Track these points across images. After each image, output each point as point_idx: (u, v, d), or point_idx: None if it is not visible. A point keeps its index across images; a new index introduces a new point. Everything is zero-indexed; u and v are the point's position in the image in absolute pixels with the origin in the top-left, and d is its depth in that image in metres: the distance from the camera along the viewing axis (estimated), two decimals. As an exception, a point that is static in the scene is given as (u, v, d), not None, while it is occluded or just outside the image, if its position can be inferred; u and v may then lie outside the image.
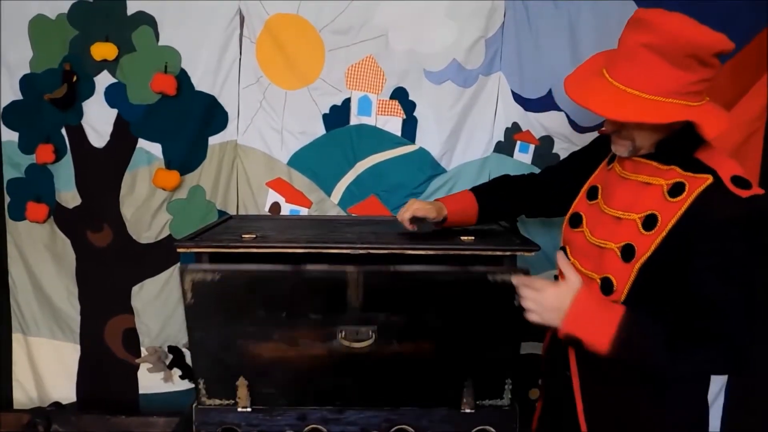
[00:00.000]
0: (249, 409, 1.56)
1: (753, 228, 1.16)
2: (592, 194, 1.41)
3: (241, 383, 1.55)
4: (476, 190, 1.69)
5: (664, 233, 1.22)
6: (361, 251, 1.51)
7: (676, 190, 1.23)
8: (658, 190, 1.26)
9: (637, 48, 1.20)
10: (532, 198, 1.65)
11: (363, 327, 1.50)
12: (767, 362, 2.13)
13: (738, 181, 1.19)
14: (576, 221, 1.42)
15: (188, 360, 2.21)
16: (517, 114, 2.11)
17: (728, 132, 1.35)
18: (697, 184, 1.21)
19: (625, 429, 1.33)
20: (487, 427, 1.57)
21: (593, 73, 1.29)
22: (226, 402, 1.58)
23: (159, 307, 2.20)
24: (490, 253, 1.50)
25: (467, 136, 2.13)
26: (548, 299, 1.23)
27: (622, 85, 1.22)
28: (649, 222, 1.24)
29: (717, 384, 2.22)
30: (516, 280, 1.29)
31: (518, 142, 2.13)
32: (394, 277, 1.48)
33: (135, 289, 2.19)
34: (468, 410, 1.56)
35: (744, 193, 1.17)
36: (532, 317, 1.25)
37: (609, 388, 1.34)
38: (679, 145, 1.26)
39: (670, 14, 1.18)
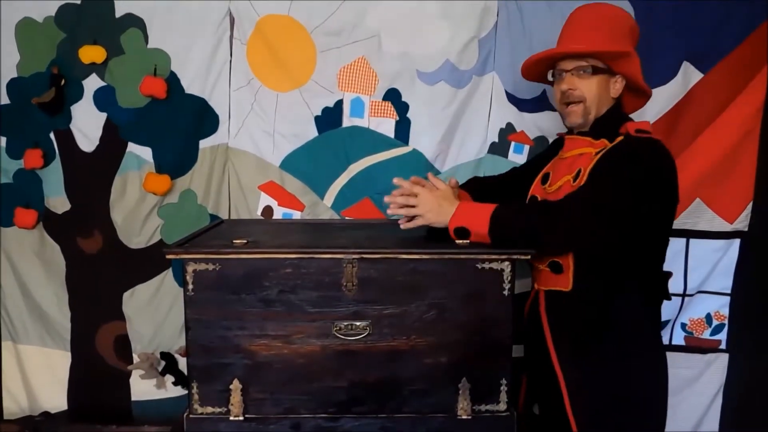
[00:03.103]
0: (242, 418, 1.53)
1: (637, 156, 1.41)
2: (545, 180, 1.62)
3: (235, 387, 1.52)
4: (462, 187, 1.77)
5: (584, 178, 1.46)
6: (355, 256, 1.48)
7: (600, 152, 1.48)
8: (588, 155, 1.50)
9: (573, 20, 1.56)
10: (502, 196, 1.69)
11: (358, 321, 1.49)
12: (763, 365, 2.14)
13: (640, 132, 1.47)
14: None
15: (181, 366, 2.18)
16: (511, 114, 2.09)
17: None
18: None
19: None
20: (485, 435, 1.55)
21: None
22: (218, 410, 1.55)
23: (151, 313, 2.17)
24: (485, 256, 1.48)
25: (461, 137, 2.12)
26: (437, 199, 1.47)
27: (571, 44, 1.52)
28: (576, 175, 1.49)
29: (715, 385, 2.21)
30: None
31: (513, 143, 2.11)
32: (388, 267, 1.49)
33: (126, 295, 2.17)
34: (465, 417, 1.53)
35: (639, 135, 1.45)
36: (420, 220, 1.49)
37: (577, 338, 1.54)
38: (610, 118, 1.53)
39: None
